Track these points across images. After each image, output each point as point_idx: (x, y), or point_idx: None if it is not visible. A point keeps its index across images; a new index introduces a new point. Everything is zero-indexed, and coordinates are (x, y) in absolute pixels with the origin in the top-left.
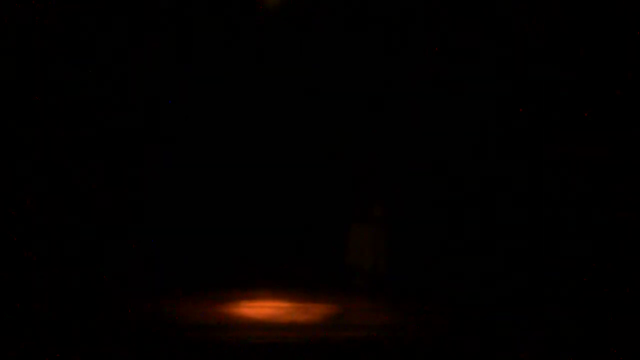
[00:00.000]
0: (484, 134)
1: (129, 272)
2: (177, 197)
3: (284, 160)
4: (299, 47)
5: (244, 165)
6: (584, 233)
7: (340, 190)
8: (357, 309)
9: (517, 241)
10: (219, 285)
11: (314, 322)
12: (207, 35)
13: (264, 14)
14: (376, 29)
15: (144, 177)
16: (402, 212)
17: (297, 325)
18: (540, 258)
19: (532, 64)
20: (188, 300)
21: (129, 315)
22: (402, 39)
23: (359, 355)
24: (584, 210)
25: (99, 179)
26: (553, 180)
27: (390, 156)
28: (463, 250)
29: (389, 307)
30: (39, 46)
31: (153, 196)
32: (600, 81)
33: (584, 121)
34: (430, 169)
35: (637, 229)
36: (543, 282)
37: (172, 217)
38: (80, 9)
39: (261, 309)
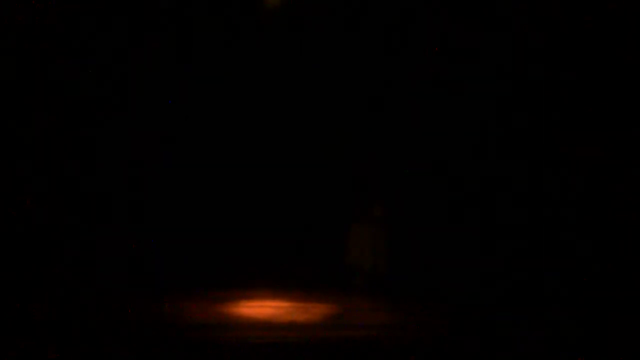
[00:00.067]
0: (484, 134)
1: (129, 272)
2: (177, 197)
3: (284, 161)
4: (299, 47)
5: (244, 165)
6: (584, 233)
7: (340, 190)
8: (357, 309)
9: (517, 241)
10: (219, 285)
11: (314, 322)
12: (206, 35)
13: (264, 14)
14: (376, 28)
15: (144, 177)
16: (402, 212)
17: (297, 325)
18: (540, 258)
19: (532, 63)
20: (188, 300)
21: (129, 315)
22: (402, 38)
23: (359, 355)
24: (584, 211)
25: (98, 179)
26: (553, 180)
27: (390, 156)
28: (463, 250)
29: (388, 307)
30: (37, 45)
31: (153, 196)
32: (600, 81)
33: (583, 121)
34: (431, 168)
35: (637, 229)
36: (543, 282)
37: (172, 217)
38: (80, 9)
39: (261, 308)
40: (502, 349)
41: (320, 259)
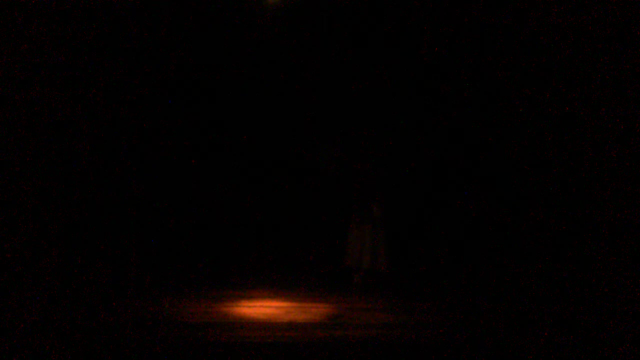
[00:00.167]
0: (483, 134)
1: (129, 272)
2: (178, 197)
3: (284, 161)
4: (298, 49)
5: (244, 166)
6: (584, 233)
7: (339, 190)
8: (357, 309)
9: (518, 241)
10: (219, 285)
11: (314, 322)
12: (206, 35)
13: (263, 15)
14: (375, 30)
15: (144, 177)
16: (401, 212)
17: (296, 325)
18: (540, 258)
19: (532, 64)
20: (188, 300)
21: (129, 315)
22: (402, 38)
23: (359, 355)
24: (584, 211)
25: (99, 179)
26: (553, 179)
27: (390, 156)
28: (463, 250)
29: (388, 306)
30: (37, 44)
31: (153, 196)
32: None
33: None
34: (430, 168)
35: (638, 228)
36: (544, 282)
37: (172, 217)
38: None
39: (261, 308)
40: (503, 349)
41: (320, 259)
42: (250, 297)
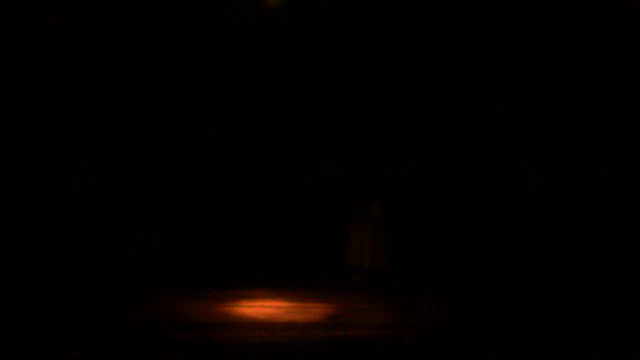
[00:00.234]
0: (485, 134)
1: (129, 272)
2: (178, 197)
3: (284, 161)
4: (298, 47)
5: (244, 165)
6: (585, 233)
7: (340, 190)
8: (357, 309)
9: (518, 241)
10: (219, 285)
11: (314, 322)
12: (206, 35)
13: (264, 15)
14: (375, 29)
15: (144, 177)
16: (401, 211)
17: (296, 324)
18: (541, 258)
19: (534, 63)
20: (188, 299)
21: (129, 315)
22: (402, 38)
23: (359, 354)
24: (584, 211)
25: (99, 179)
26: (553, 179)
27: (389, 156)
28: (463, 250)
29: (388, 306)
30: (37, 42)
31: (153, 196)
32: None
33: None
34: (430, 168)
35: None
36: (544, 282)
37: (172, 216)
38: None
39: (261, 308)
40: (503, 349)
41: (320, 259)
42: (250, 297)
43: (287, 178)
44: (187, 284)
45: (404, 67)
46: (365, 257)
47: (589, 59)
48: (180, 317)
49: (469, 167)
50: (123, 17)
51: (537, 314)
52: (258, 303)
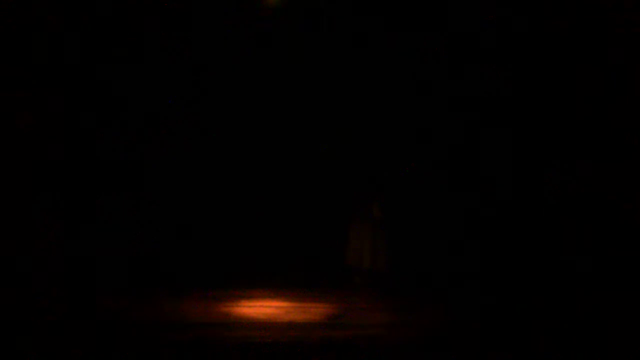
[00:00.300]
0: (484, 134)
1: (129, 272)
2: (177, 197)
3: (284, 160)
4: (298, 47)
5: (244, 165)
6: (585, 233)
7: (340, 190)
8: (357, 309)
9: (518, 241)
10: (219, 285)
11: (314, 322)
12: (206, 35)
13: (263, 15)
14: (375, 29)
15: (144, 177)
16: (401, 211)
17: (296, 324)
18: (541, 258)
19: (534, 63)
20: (188, 300)
21: (127, 315)
22: (402, 38)
23: (359, 354)
24: (585, 211)
25: (99, 179)
26: (553, 179)
27: (389, 156)
28: (463, 250)
29: (388, 306)
30: (37, 42)
31: (153, 196)
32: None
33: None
34: (430, 168)
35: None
36: (544, 282)
37: (172, 217)
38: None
39: (261, 308)
40: (502, 349)
41: (320, 259)
42: (250, 297)
43: (287, 178)
44: (187, 284)
45: (404, 67)
46: (365, 257)
47: (589, 59)
48: (180, 317)
49: (469, 167)
50: (123, 17)
51: (537, 314)
52: (258, 303)
